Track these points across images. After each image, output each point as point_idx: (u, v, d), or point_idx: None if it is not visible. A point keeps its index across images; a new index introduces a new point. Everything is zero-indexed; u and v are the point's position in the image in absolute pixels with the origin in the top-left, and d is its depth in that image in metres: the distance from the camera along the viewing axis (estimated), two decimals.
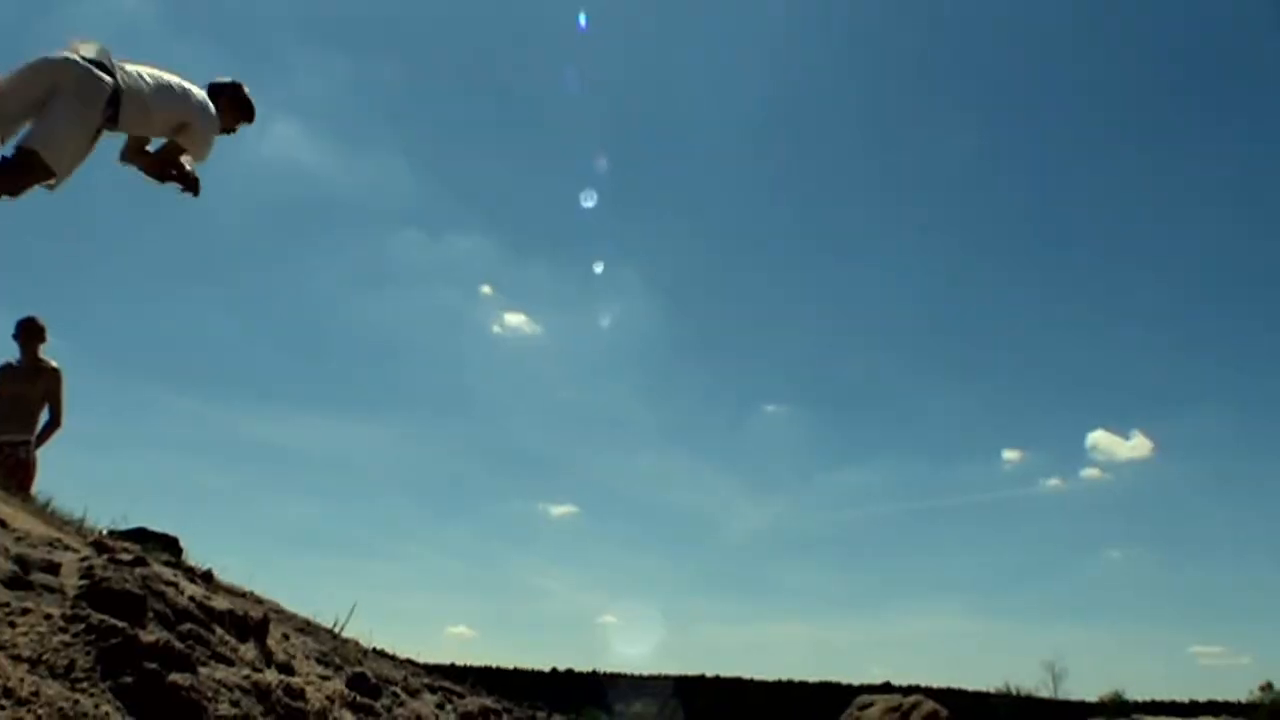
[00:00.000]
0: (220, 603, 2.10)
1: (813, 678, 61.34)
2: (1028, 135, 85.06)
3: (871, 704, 10.44)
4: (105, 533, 4.00)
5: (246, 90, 4.40)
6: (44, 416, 6.82)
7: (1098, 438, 76.41)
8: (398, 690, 2.34)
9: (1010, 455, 78.42)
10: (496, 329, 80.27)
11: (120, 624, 1.45)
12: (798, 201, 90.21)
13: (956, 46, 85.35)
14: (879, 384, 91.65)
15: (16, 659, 1.27)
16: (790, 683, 61.81)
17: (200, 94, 4.15)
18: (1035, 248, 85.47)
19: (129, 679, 1.33)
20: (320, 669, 2.26)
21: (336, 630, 4.56)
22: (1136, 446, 72.69)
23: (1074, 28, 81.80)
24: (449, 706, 2.60)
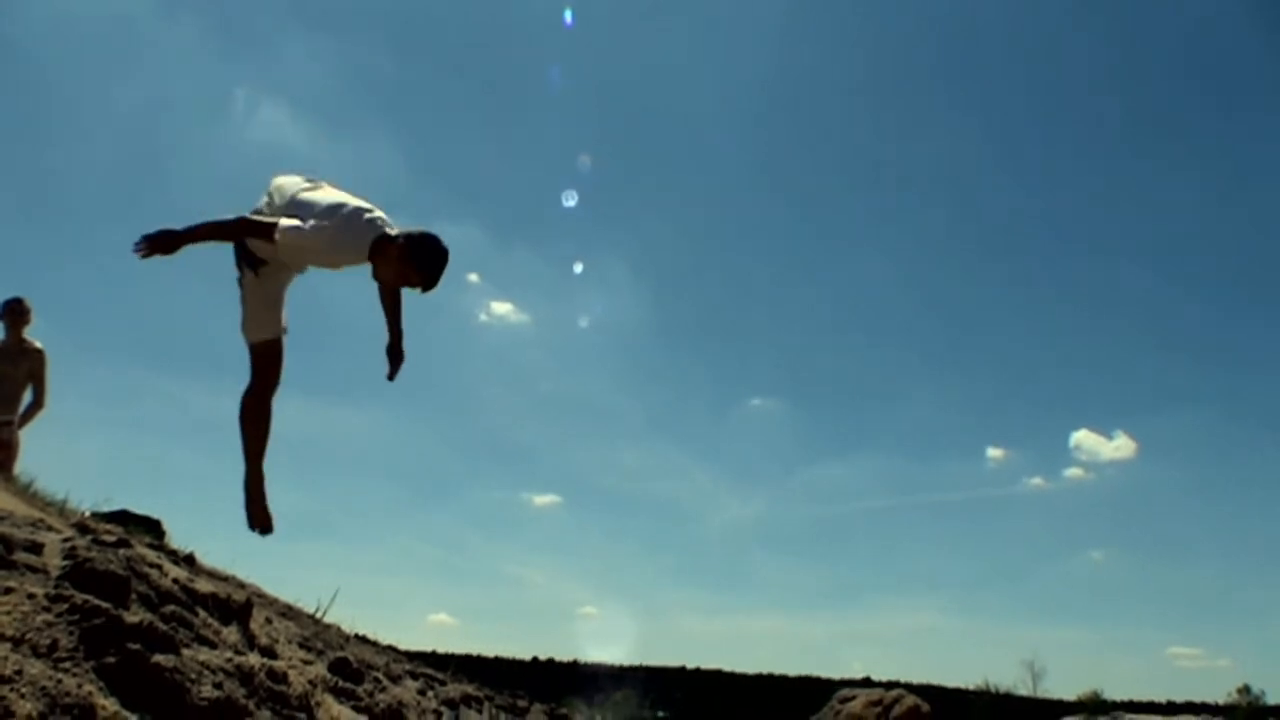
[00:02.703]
0: (203, 585, 2.10)
1: (793, 671, 61.66)
2: (1014, 134, 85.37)
3: (853, 698, 10.49)
4: (88, 514, 3.99)
5: (426, 249, 3.70)
6: (27, 397, 6.80)
7: (1081, 437, 76.80)
8: (379, 676, 2.35)
9: (994, 453, 78.77)
10: (483, 317, 79.98)
11: (104, 605, 1.45)
12: (787, 196, 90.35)
13: (947, 41, 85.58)
14: (865, 379, 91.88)
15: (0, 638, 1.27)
16: (770, 676, 62.10)
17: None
18: (1023, 246, 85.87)
19: (112, 659, 1.34)
20: (303, 653, 2.27)
21: (319, 615, 4.56)
22: (1120, 447, 73.10)
23: (1063, 26, 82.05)
24: (430, 693, 2.61)
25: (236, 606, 2.09)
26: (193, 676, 1.41)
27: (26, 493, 3.66)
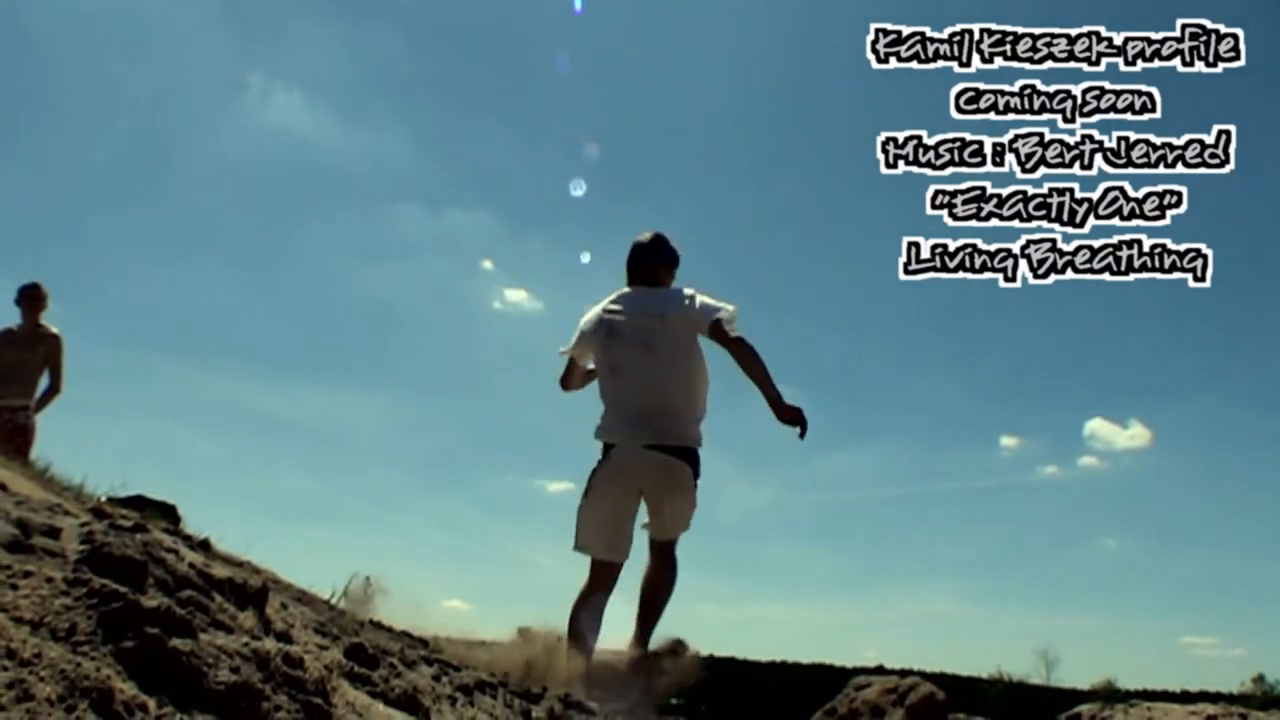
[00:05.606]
0: (220, 570, 2.10)
1: (806, 659, 61.68)
2: None
3: (868, 685, 10.49)
4: (104, 499, 4.02)
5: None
6: (44, 382, 6.85)
7: (1096, 426, 76.06)
8: (395, 661, 2.35)
9: (1008, 442, 78.20)
10: (497, 304, 79.87)
11: (122, 589, 1.45)
12: (797, 182, 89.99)
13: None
14: (878, 368, 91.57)
15: (19, 621, 1.27)
16: (784, 663, 62.22)
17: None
18: None
19: (130, 643, 1.34)
20: (318, 638, 2.27)
21: (334, 601, 4.58)
22: (1135, 436, 72.42)
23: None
24: (445, 679, 2.61)
25: (252, 591, 2.09)
26: (210, 661, 1.41)
27: (43, 477, 3.69)
